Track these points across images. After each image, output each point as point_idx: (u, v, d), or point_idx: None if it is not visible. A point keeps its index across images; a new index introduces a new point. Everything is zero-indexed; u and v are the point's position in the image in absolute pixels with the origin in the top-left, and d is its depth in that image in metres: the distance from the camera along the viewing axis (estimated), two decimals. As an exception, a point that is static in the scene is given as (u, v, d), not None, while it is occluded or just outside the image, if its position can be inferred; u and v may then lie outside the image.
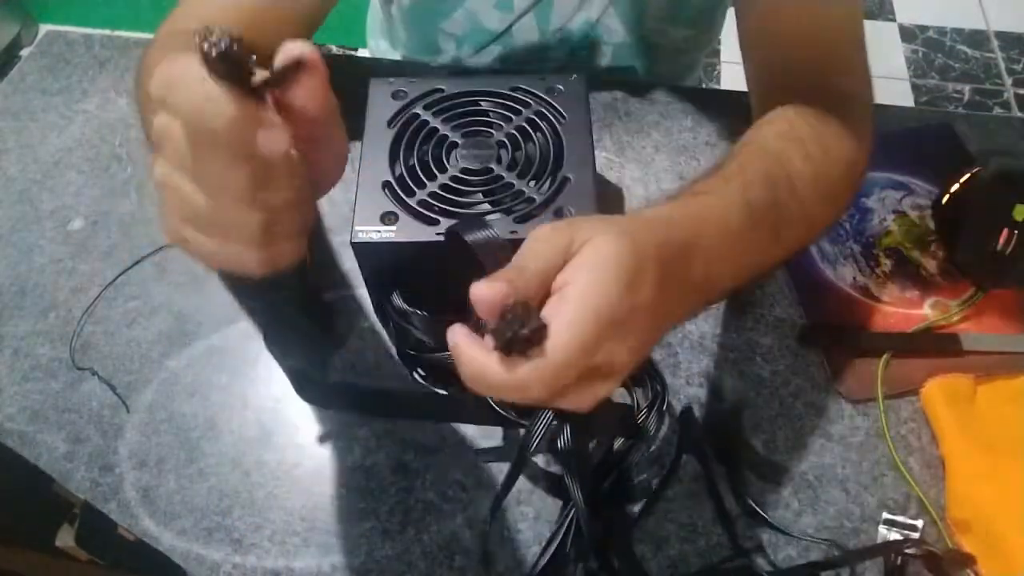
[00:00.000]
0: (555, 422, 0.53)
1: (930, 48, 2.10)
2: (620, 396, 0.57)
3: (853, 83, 0.57)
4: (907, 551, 0.50)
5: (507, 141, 0.56)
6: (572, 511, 0.51)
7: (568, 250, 0.36)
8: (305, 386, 0.57)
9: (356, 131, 0.62)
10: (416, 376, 0.60)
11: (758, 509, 0.53)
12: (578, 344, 0.33)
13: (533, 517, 0.54)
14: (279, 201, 0.33)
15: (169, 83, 0.29)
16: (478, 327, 0.35)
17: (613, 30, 0.78)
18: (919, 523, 0.52)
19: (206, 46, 0.28)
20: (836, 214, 0.57)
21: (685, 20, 0.78)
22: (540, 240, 0.36)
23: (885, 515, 0.53)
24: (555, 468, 0.55)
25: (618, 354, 0.36)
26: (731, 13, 0.62)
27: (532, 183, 0.54)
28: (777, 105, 0.57)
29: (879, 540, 0.52)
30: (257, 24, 0.60)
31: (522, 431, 0.56)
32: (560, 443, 0.50)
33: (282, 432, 0.58)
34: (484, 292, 0.33)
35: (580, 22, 0.77)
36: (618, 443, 0.55)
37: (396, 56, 0.90)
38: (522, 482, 0.55)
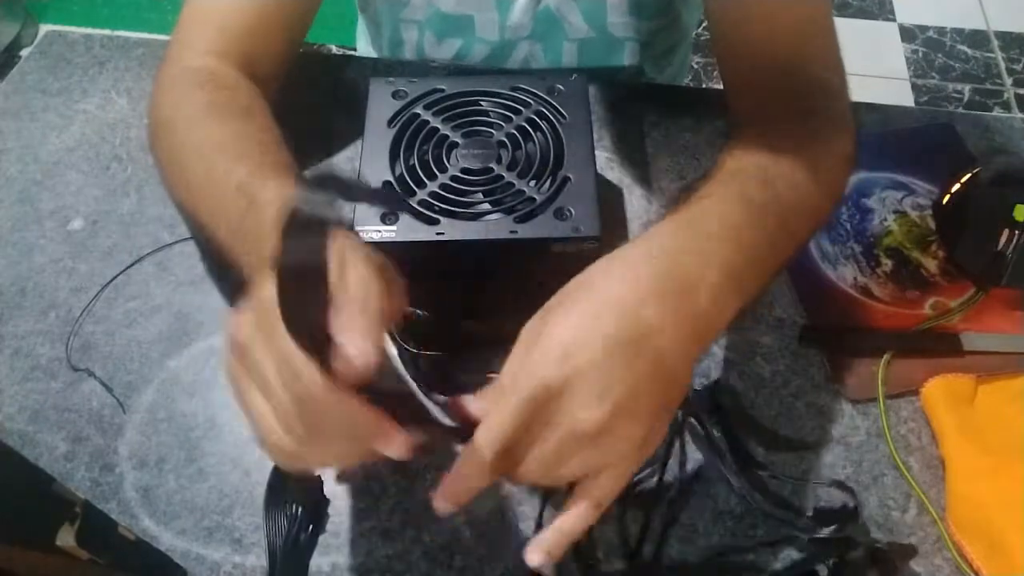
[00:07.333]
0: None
1: (930, 48, 2.10)
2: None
3: (828, 75, 0.58)
4: (855, 547, 0.49)
5: (507, 141, 0.57)
6: None
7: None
8: None
9: (356, 131, 0.62)
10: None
11: (752, 501, 0.53)
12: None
13: (533, 518, 0.54)
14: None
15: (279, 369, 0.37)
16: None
17: (575, 26, 0.77)
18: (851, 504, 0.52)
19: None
20: (836, 200, 0.57)
21: (648, 12, 0.76)
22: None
23: (819, 504, 0.54)
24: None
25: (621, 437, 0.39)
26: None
27: (532, 183, 0.55)
28: (752, 105, 0.59)
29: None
30: (255, 32, 0.61)
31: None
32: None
33: (282, 432, 0.58)
34: None
35: (539, 13, 0.75)
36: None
37: (374, 55, 0.90)
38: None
